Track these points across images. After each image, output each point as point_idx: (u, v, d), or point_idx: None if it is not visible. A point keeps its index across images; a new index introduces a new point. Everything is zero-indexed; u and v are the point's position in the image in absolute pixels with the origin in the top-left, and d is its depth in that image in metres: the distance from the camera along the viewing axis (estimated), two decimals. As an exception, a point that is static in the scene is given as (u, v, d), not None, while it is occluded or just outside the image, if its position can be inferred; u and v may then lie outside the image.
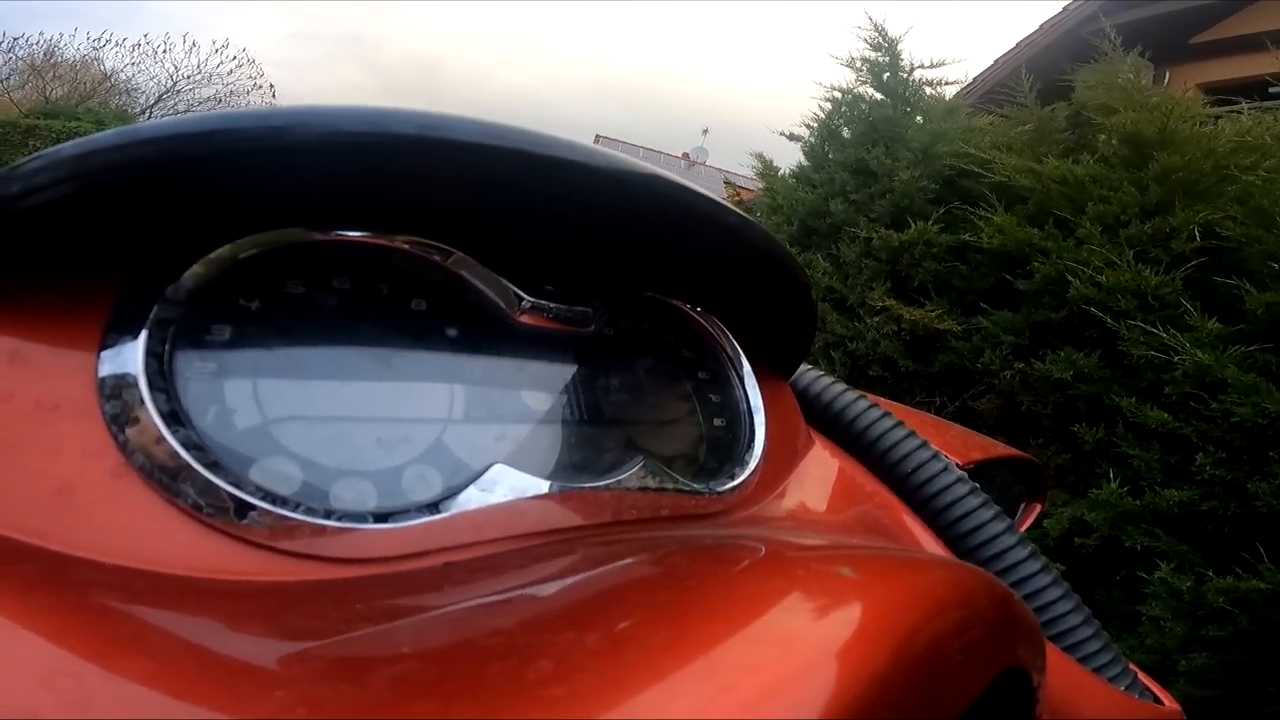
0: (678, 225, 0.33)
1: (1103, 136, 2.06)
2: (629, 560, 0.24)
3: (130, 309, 0.21)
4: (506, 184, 0.26)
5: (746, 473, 0.41)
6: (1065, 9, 5.87)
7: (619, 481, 0.32)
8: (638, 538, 0.28)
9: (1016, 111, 2.41)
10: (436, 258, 0.28)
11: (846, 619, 0.18)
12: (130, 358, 0.20)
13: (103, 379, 0.20)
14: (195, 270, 0.22)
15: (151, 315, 0.21)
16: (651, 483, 0.33)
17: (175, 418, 0.20)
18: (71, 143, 0.18)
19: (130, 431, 0.20)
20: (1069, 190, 1.96)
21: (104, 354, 0.21)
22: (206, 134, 0.18)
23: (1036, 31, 5.84)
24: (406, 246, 0.27)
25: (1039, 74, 2.54)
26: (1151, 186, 1.88)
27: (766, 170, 3.24)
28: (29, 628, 0.14)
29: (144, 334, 0.21)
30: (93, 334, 0.21)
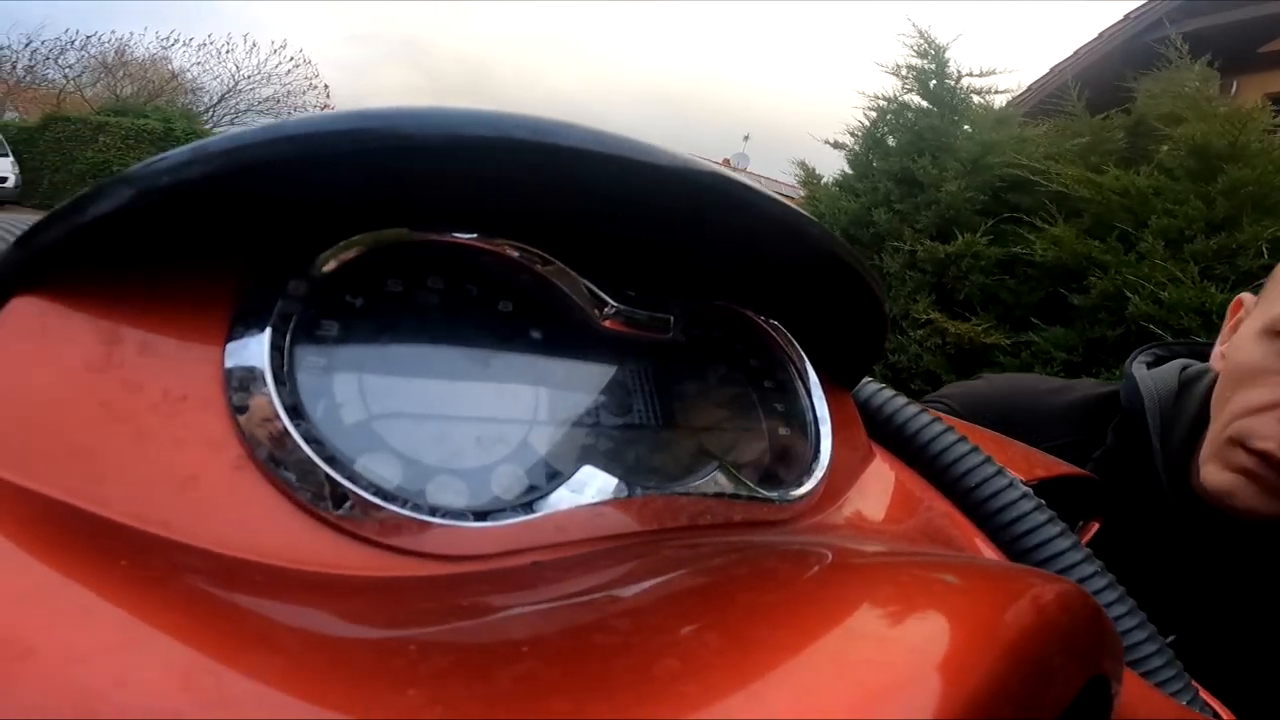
0: (762, 235, 0.33)
1: (1165, 147, 1.99)
2: (723, 562, 0.24)
3: (255, 303, 0.22)
4: (606, 190, 0.26)
5: (814, 482, 0.41)
6: (1126, 16, 5.68)
7: (696, 487, 0.32)
8: (722, 541, 0.28)
9: (1069, 121, 2.34)
10: (537, 265, 0.29)
11: (962, 622, 0.18)
12: (256, 351, 0.21)
13: (229, 370, 0.21)
14: (316, 266, 0.23)
15: (276, 309, 0.22)
16: (727, 489, 0.33)
17: (297, 412, 0.21)
18: (217, 138, 0.19)
19: (254, 424, 0.20)
20: (1130, 202, 1.90)
21: (230, 346, 0.21)
22: (345, 133, 0.19)
23: (1095, 39, 5.66)
24: (514, 253, 0.28)
25: (1097, 82, 2.47)
26: (1219, 200, 1.81)
27: (809, 178, 3.21)
28: (161, 626, 0.15)
29: (270, 328, 0.21)
30: (218, 326, 0.22)
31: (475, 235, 0.27)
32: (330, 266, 0.24)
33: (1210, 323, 1.75)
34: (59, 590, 0.15)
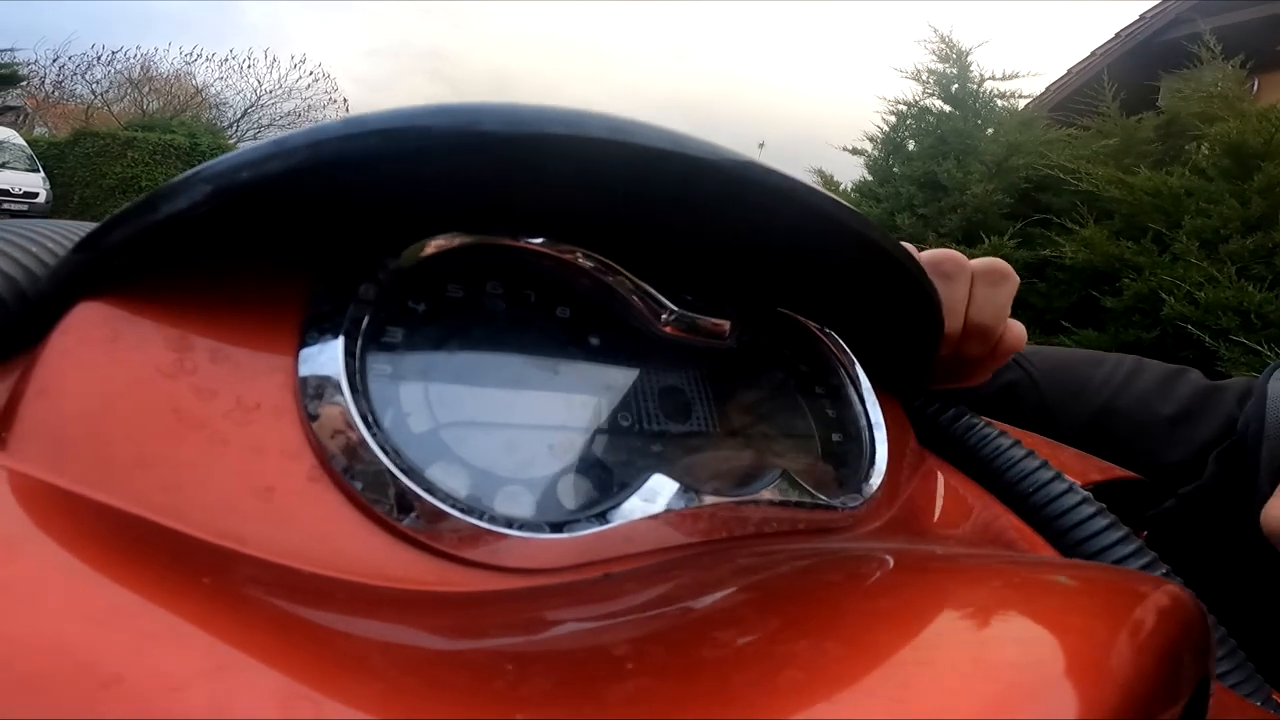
0: (819, 238, 0.32)
1: (1201, 147, 1.94)
2: (809, 568, 0.23)
3: (326, 307, 0.21)
4: (669, 190, 0.25)
5: (871, 488, 0.40)
6: (1142, 17, 5.62)
7: (761, 495, 0.31)
8: (794, 549, 0.27)
9: (1099, 123, 2.30)
10: (606, 275, 0.28)
11: (1097, 621, 0.17)
12: (331, 358, 0.20)
13: (304, 379, 0.20)
14: (386, 269, 0.22)
15: (348, 314, 0.21)
16: (791, 496, 0.32)
17: (370, 421, 0.20)
18: (297, 133, 0.18)
19: (330, 433, 0.20)
20: (1162, 203, 1.86)
21: (304, 353, 0.21)
22: (433, 128, 0.18)
23: (1112, 40, 5.60)
24: (584, 261, 0.27)
25: (1118, 82, 2.43)
26: (1254, 199, 1.76)
27: (827, 184, 3.20)
28: (251, 649, 0.14)
29: (343, 334, 0.21)
30: (289, 331, 0.21)
31: (543, 240, 0.26)
32: (397, 269, 0.23)
33: (1249, 322, 1.70)
34: (141, 611, 0.14)
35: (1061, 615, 0.17)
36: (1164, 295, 1.78)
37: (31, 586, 0.14)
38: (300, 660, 0.14)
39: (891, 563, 0.24)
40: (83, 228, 0.25)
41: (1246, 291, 1.69)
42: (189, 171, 0.19)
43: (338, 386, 0.20)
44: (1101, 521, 0.46)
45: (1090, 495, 0.48)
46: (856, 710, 0.13)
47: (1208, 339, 1.73)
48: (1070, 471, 0.59)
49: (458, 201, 0.24)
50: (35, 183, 13.72)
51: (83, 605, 0.14)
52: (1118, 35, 5.58)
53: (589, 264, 0.28)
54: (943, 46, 2.65)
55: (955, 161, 2.44)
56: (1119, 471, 0.71)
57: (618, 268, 0.29)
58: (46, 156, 15.16)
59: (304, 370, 0.20)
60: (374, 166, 0.19)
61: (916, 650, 0.15)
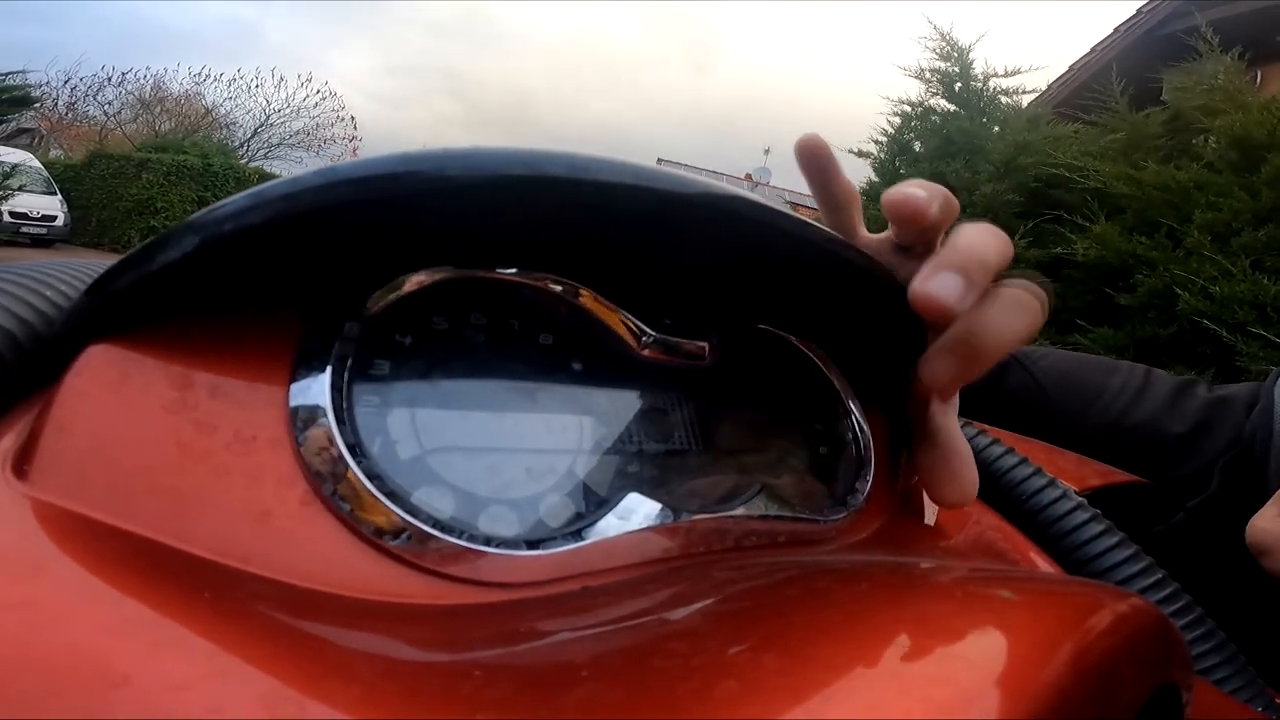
0: (804, 266, 0.33)
1: (1208, 140, 1.93)
2: (774, 583, 0.24)
3: (314, 345, 0.23)
4: (640, 220, 0.27)
5: (857, 500, 0.41)
6: (1139, 11, 5.57)
7: (740, 510, 0.32)
8: (769, 562, 0.28)
9: (1107, 118, 2.29)
10: (577, 298, 0.29)
11: (1021, 636, 0.18)
12: (319, 392, 0.22)
13: (294, 409, 0.22)
14: (369, 308, 0.24)
15: (334, 351, 0.23)
16: (771, 511, 0.33)
17: (357, 449, 0.22)
18: (274, 183, 0.20)
19: (319, 462, 0.22)
20: (1172, 197, 1.84)
21: (294, 387, 0.22)
22: (397, 175, 0.20)
23: (1111, 35, 5.57)
24: (556, 287, 0.29)
25: (1120, 77, 2.42)
26: (1263, 191, 1.75)
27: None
28: (246, 655, 0.15)
29: (329, 369, 0.23)
30: (281, 368, 0.23)
31: (515, 271, 0.28)
32: (381, 306, 0.25)
33: (1266, 315, 1.68)
34: (150, 622, 0.16)
35: (991, 631, 0.18)
36: (1178, 291, 1.77)
37: (54, 601, 0.16)
38: (289, 666, 0.16)
39: (855, 578, 0.25)
40: (88, 266, 0.27)
41: (1261, 284, 1.67)
42: (179, 224, 0.20)
43: (325, 417, 0.22)
44: (1096, 527, 0.47)
45: (1084, 501, 0.49)
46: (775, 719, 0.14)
47: (1224, 333, 1.71)
48: (1068, 477, 0.60)
49: (437, 238, 0.26)
50: (53, 205, 13.76)
51: (98, 617, 0.16)
52: (1117, 30, 5.54)
53: (559, 289, 0.29)
54: (943, 44, 2.65)
55: (963, 162, 2.43)
56: (1119, 476, 0.71)
57: (594, 294, 0.30)
58: (63, 179, 15.19)
59: (294, 403, 0.22)
60: (349, 213, 0.21)
61: (847, 664, 0.16)
